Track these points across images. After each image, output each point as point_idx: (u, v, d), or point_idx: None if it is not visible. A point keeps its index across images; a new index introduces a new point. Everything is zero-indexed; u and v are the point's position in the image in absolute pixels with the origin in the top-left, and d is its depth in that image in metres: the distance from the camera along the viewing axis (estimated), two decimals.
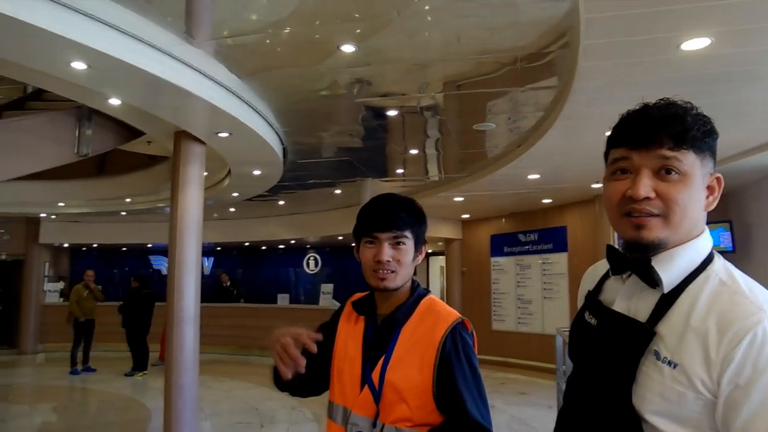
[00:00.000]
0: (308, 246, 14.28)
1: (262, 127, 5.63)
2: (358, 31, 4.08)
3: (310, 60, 4.59)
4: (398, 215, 1.61)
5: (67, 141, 5.11)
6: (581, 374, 1.15)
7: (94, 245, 14.93)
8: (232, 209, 11.47)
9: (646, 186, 1.03)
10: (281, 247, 14.42)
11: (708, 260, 1.05)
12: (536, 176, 7.67)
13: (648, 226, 1.04)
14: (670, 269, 1.04)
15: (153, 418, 7.20)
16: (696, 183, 1.04)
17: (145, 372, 10.39)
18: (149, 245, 15.17)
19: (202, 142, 5.77)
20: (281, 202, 10.79)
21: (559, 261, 10.03)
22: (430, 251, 13.97)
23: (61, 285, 14.11)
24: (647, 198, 1.03)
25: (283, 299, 12.85)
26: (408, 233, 1.61)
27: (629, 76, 4.11)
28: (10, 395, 9.08)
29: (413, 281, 1.66)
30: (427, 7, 3.73)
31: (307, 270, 14.58)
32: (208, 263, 15.98)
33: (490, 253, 11.44)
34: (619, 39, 3.55)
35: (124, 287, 11.96)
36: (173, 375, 5.43)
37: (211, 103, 4.70)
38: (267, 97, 5.46)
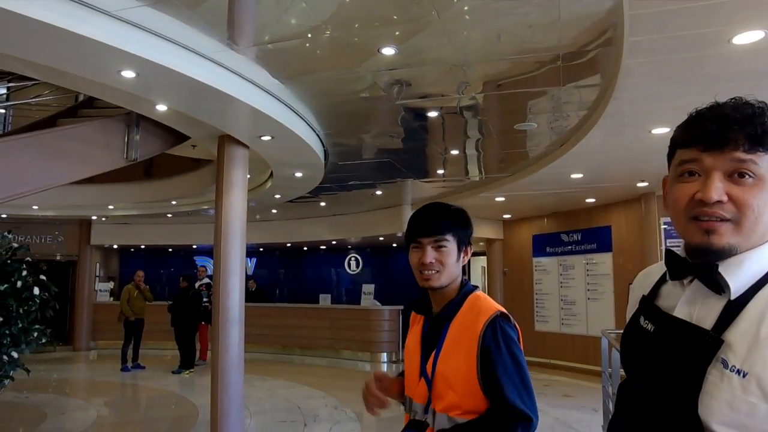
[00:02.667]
0: (349, 246, 14.38)
1: (304, 130, 5.71)
2: (398, 33, 4.09)
3: (350, 63, 4.63)
4: (438, 221, 1.76)
5: (117, 147, 5.29)
6: (638, 382, 1.11)
7: (142, 246, 15.38)
8: (274, 210, 11.64)
9: (718, 189, 0.98)
10: (322, 247, 14.56)
11: None
12: (579, 175, 7.55)
13: (719, 232, 0.99)
14: (739, 275, 0.99)
15: (200, 414, 7.37)
16: None
17: (192, 370, 10.64)
18: (194, 246, 15.55)
19: (246, 146, 5.88)
20: (323, 204, 10.90)
21: (604, 261, 9.83)
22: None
23: (111, 285, 14.59)
24: (719, 202, 0.98)
25: (324, 299, 12.98)
26: (449, 236, 1.73)
27: (676, 73, 4.00)
28: (67, 389, 9.45)
29: (462, 280, 1.79)
30: (466, 8, 3.71)
31: (349, 270, 14.68)
32: (251, 264, 16.26)
33: (533, 254, 11.30)
34: (666, 35, 3.47)
35: (170, 287, 12.27)
36: (220, 373, 5.55)
37: (253, 107, 4.79)
38: (308, 100, 5.53)
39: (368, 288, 12.72)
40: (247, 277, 15.00)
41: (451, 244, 1.73)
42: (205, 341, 11.49)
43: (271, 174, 7.62)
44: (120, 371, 10.76)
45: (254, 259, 16.28)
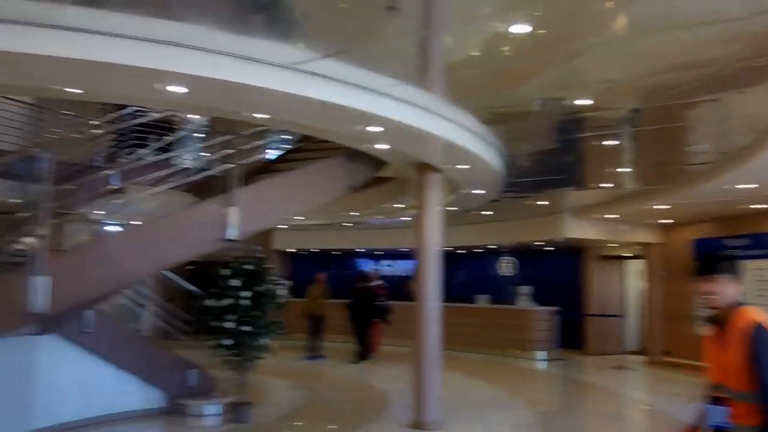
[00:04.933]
0: (504, 250, 15.18)
1: (492, 156, 6.69)
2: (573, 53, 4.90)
3: (523, 85, 5.43)
4: (706, 264, 2.52)
5: (340, 178, 6.62)
6: None
7: (313, 250, 17.28)
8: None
9: None
10: (478, 250, 15.48)
11: None
12: (751, 186, 7.75)
13: None
14: None
15: (389, 398, 8.60)
16: None
17: (368, 361, 12.03)
18: (358, 249, 17.20)
19: (440, 170, 6.98)
20: (486, 212, 11.79)
21: None
22: (625, 255, 14.10)
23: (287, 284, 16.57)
24: None
25: (481, 300, 13.89)
26: (718, 274, 2.47)
27: None
28: (268, 373, 11.20)
29: (737, 300, 2.48)
30: (631, 23, 4.27)
31: (502, 272, 15.48)
32: (412, 266, 17.58)
33: (694, 258, 11.38)
34: None
35: (336, 286, 13.74)
36: (422, 364, 6.69)
37: (456, 144, 5.85)
38: (488, 123, 6.45)
39: (524, 289, 13.47)
40: (409, 279, 16.39)
41: (722, 277, 2.44)
42: (378, 336, 12.85)
43: (453, 190, 8.65)
44: (304, 360, 12.39)
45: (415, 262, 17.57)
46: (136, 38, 3.82)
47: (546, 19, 4.12)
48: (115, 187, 8.03)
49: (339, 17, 4.21)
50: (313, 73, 4.44)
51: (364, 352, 12.12)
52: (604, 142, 7.17)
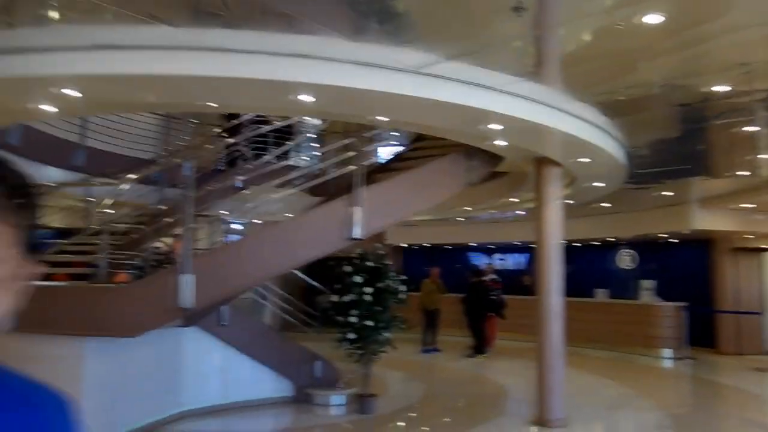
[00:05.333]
0: (623, 242, 14.52)
1: (616, 149, 6.45)
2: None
3: (645, 75, 5.20)
4: None
5: (459, 175, 6.66)
6: None
7: (424, 245, 17.46)
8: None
9: None
10: (596, 243, 14.90)
11: None
12: None
13: None
14: None
15: (509, 392, 8.56)
16: None
17: (484, 355, 12.00)
18: (470, 243, 17.15)
19: (560, 165, 6.83)
20: (606, 204, 11.34)
21: None
22: (762, 247, 12.98)
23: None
24: None
25: (600, 294, 13.39)
26: None
27: None
28: (386, 364, 11.50)
29: None
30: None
31: (622, 266, 14.81)
32: (525, 260, 17.31)
33: None
34: None
35: (448, 281, 13.78)
36: (545, 358, 6.62)
37: (579, 137, 5.70)
38: (615, 116, 6.22)
39: (647, 284, 12.81)
40: (522, 273, 16.16)
41: None
42: (493, 331, 12.78)
43: (570, 183, 8.43)
44: (420, 353, 12.57)
45: (527, 255, 17.29)
46: (270, 53, 4.09)
47: (677, 4, 3.91)
48: (241, 190, 8.61)
49: (456, 19, 4.24)
50: (433, 75, 4.53)
51: (480, 347, 12.10)
52: (740, 129, 6.66)
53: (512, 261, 17.60)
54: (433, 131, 5.92)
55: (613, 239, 14.31)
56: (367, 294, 6.84)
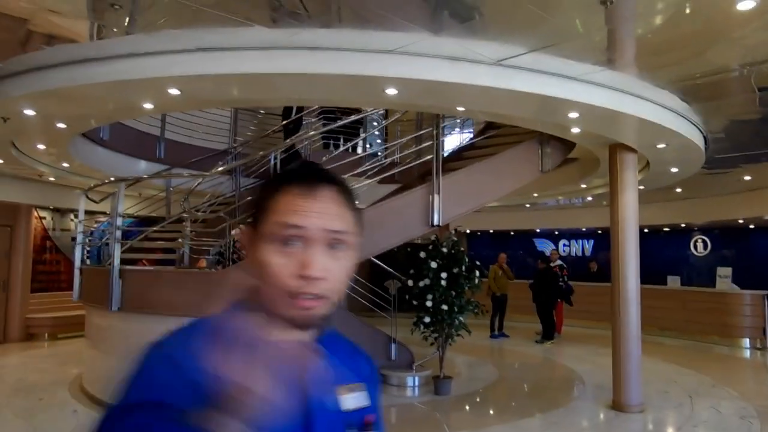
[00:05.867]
0: (696, 228, 14.14)
1: (696, 135, 6.37)
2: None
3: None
4: None
5: (535, 162, 6.74)
6: None
7: (490, 231, 17.48)
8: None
9: None
10: (666, 229, 14.57)
11: None
12: None
13: None
14: None
15: (581, 377, 8.60)
16: None
17: (553, 341, 12.02)
18: (537, 230, 17.08)
19: (635, 151, 6.80)
20: (678, 189, 11.11)
21: None
22: None
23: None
24: None
25: (672, 281, 13.11)
26: None
27: None
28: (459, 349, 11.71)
29: None
30: None
31: (695, 252, 14.43)
32: (590, 246, 17.10)
33: None
34: None
35: (516, 266, 13.79)
36: (621, 345, 6.66)
37: (656, 123, 5.68)
38: (692, 100, 6.14)
39: (724, 271, 12.45)
40: (588, 259, 15.97)
41: None
42: (561, 317, 12.77)
43: (644, 167, 8.34)
44: (489, 338, 12.70)
45: (592, 241, 17.07)
46: (359, 50, 4.32)
47: None
48: None
49: (537, 10, 4.33)
50: (511, 66, 4.65)
51: (548, 332, 12.12)
52: None
53: (577, 247, 17.42)
54: (509, 120, 6.01)
55: (685, 225, 13.95)
56: (443, 279, 7.04)
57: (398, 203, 6.02)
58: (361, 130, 11.59)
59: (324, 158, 9.30)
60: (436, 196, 5.86)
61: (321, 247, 0.96)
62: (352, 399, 1.06)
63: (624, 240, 6.76)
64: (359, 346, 1.18)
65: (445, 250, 7.22)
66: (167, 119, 10.14)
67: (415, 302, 7.37)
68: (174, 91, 4.78)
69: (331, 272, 0.96)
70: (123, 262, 6.77)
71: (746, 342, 11.60)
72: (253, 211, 1.04)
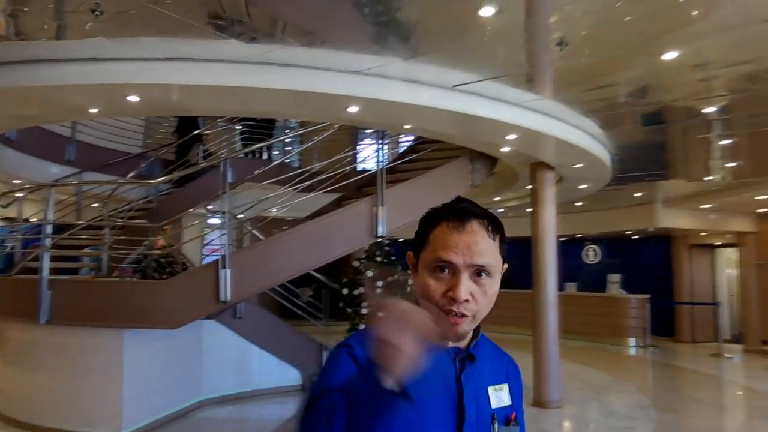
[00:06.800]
0: (590, 238, 15.44)
1: (605, 155, 7.13)
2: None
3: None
4: None
5: (465, 177, 7.21)
6: None
7: (399, 239, 18.01)
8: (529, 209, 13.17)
9: None
10: (562, 239, 15.75)
11: None
12: None
13: None
14: None
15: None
16: None
17: None
18: None
19: (553, 168, 7.47)
20: (579, 203, 12.12)
21: None
22: (716, 243, 14.09)
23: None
24: None
25: (570, 287, 14.23)
26: None
27: None
28: None
29: None
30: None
31: (587, 260, 15.73)
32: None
33: None
34: None
35: None
36: (542, 344, 7.27)
37: (576, 145, 6.32)
38: (604, 126, 6.84)
39: (614, 277, 13.74)
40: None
41: None
42: None
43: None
44: None
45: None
46: (330, 69, 4.53)
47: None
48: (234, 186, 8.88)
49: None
50: (465, 92, 5.06)
51: None
52: (705, 136, 7.36)
53: None
54: (449, 138, 6.43)
55: (580, 236, 15.18)
56: (378, 288, 7.32)
57: (342, 216, 6.22)
58: (279, 137, 11.66)
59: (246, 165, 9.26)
60: (380, 208, 6.13)
61: (466, 274, 1.15)
62: (498, 397, 1.26)
63: (544, 250, 7.40)
64: (503, 350, 1.40)
65: (378, 259, 7.53)
66: (82, 120, 9.66)
67: (349, 310, 7.59)
68: (133, 98, 4.72)
69: (474, 296, 1.16)
70: (30, 270, 6.45)
71: (633, 341, 12.88)
72: (415, 239, 1.27)
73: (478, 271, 1.16)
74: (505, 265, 1.26)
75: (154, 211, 9.49)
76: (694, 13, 3.91)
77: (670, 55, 4.53)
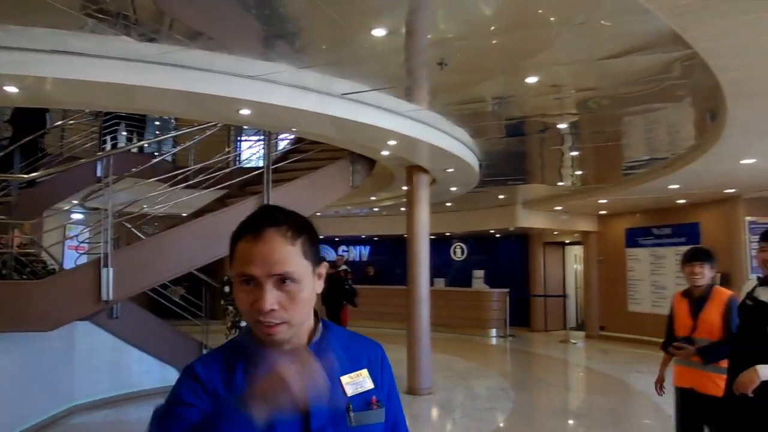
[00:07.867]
0: (455, 237, 16.51)
1: (474, 161, 7.82)
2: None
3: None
4: (698, 254, 3.69)
5: (346, 179, 7.58)
6: (749, 328, 3.08)
7: None
8: (402, 208, 13.85)
9: None
10: (432, 237, 16.71)
11: None
12: (676, 186, 9.33)
13: None
14: None
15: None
16: None
17: None
18: (321, 236, 18.04)
19: (428, 172, 8.05)
20: (449, 204, 12.97)
21: None
22: (566, 241, 15.71)
23: None
24: None
25: (438, 283, 15.14)
26: (705, 262, 3.69)
27: None
28: None
29: (712, 284, 3.66)
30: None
31: (455, 257, 16.82)
32: (366, 251, 18.69)
33: (626, 245, 13.09)
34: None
35: None
36: (416, 336, 7.83)
37: (449, 151, 6.92)
38: (474, 135, 7.54)
39: (478, 273, 14.85)
40: (365, 264, 17.46)
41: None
42: (346, 318, 13.84)
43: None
44: None
45: (368, 247, 18.68)
46: (225, 73, 4.67)
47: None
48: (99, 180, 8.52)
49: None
50: (353, 100, 5.41)
51: None
52: (558, 147, 8.32)
53: (356, 253, 18.93)
54: (331, 140, 6.75)
55: (449, 234, 16.20)
56: None
57: (228, 214, 6.31)
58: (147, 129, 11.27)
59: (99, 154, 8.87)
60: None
61: (269, 284, 1.13)
62: (356, 384, 1.26)
63: (419, 249, 7.97)
64: (365, 337, 1.39)
65: None
66: None
67: (231, 307, 7.65)
68: (11, 89, 4.52)
69: (282, 304, 1.14)
70: None
71: (494, 332, 14.03)
72: (229, 254, 1.24)
73: (282, 279, 1.14)
74: (324, 264, 1.26)
75: (12, 205, 8.84)
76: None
77: (532, 79, 5.20)
